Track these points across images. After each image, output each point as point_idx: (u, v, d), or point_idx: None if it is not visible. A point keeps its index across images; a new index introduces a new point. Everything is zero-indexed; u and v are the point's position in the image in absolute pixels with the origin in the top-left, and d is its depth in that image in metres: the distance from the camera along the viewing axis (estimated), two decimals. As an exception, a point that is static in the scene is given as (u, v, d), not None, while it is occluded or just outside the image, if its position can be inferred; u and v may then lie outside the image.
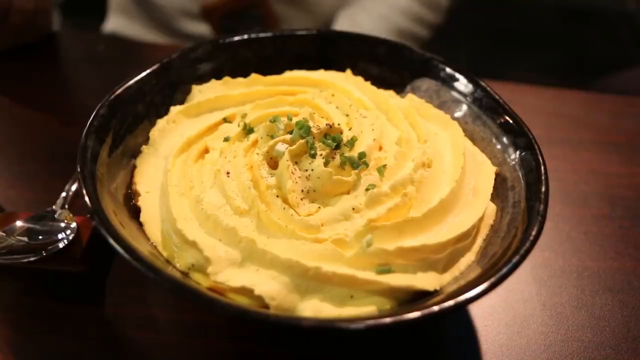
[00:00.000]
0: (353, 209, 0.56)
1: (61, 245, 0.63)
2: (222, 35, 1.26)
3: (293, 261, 0.50)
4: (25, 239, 0.65)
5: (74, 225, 0.65)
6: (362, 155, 0.61)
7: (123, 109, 0.66)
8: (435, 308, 0.45)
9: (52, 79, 0.98)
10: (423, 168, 0.61)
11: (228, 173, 0.60)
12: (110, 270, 0.67)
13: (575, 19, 2.88)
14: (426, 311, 0.45)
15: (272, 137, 0.62)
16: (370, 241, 0.52)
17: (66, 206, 0.69)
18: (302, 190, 0.58)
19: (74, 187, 0.72)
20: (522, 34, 2.76)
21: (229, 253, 0.52)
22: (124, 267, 0.66)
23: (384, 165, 0.60)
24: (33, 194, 0.77)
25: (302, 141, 0.60)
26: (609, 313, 0.67)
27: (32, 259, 0.62)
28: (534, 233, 0.52)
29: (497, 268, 0.50)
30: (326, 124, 0.62)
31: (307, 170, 0.58)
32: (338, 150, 0.61)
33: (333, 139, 0.61)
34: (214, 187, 0.59)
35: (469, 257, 0.57)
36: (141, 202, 0.59)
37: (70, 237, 0.64)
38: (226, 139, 0.64)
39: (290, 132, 0.62)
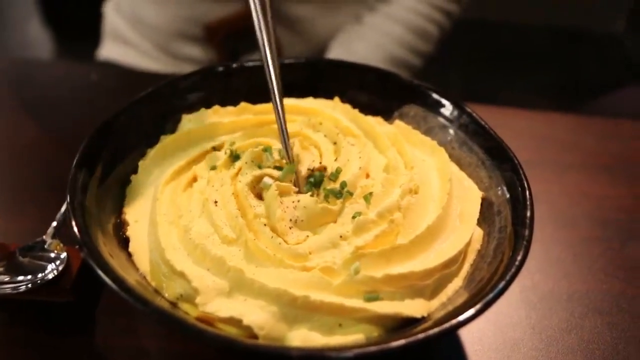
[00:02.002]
0: (340, 236, 0.57)
1: (51, 276, 0.64)
2: (225, 56, 1.30)
3: (281, 290, 0.51)
4: (15, 269, 0.65)
5: (63, 255, 0.66)
6: (343, 184, 0.63)
7: (113, 139, 0.67)
8: (421, 335, 0.46)
9: (44, 108, 0.99)
10: (410, 194, 0.62)
11: (216, 202, 0.61)
12: (100, 300, 0.67)
13: (564, 40, 2.93)
14: (412, 339, 0.46)
15: (258, 166, 0.64)
16: (358, 269, 0.53)
17: (56, 236, 0.69)
18: (291, 220, 0.59)
19: (64, 217, 0.73)
20: (514, 55, 2.80)
21: (217, 283, 0.53)
22: (114, 297, 0.66)
23: (370, 193, 0.61)
24: (23, 224, 0.78)
25: (290, 183, 0.63)
26: (598, 336, 0.67)
27: (21, 289, 0.63)
28: (519, 258, 0.54)
29: (483, 294, 0.51)
30: (308, 169, 0.65)
31: (293, 201, 0.60)
32: (321, 186, 0.64)
33: (315, 178, 0.64)
34: (202, 216, 0.61)
35: (457, 283, 0.58)
36: (130, 231, 0.61)
37: (60, 268, 0.65)
38: (213, 167, 0.66)
39: (278, 168, 0.65)
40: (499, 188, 0.65)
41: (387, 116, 0.79)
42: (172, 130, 0.74)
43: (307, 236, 0.59)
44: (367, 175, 0.67)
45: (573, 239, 0.81)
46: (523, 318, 0.69)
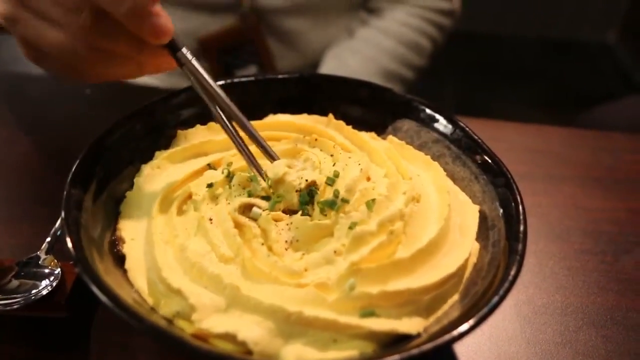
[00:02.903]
0: (335, 251, 0.57)
1: (45, 292, 0.64)
2: (218, 70, 1.30)
3: (276, 306, 0.52)
4: (9, 286, 0.65)
5: (57, 271, 0.66)
6: (336, 192, 0.63)
7: (107, 155, 0.68)
8: (415, 351, 0.47)
9: (36, 122, 0.99)
10: (413, 202, 0.63)
11: (211, 219, 0.62)
12: (95, 315, 0.68)
13: (557, 52, 2.96)
14: (406, 354, 0.47)
15: (248, 192, 0.65)
16: (353, 285, 0.54)
17: (50, 252, 0.70)
18: (286, 241, 0.60)
19: (59, 232, 0.73)
20: (507, 67, 2.83)
21: (214, 300, 0.54)
22: (109, 313, 0.67)
23: (373, 200, 0.61)
24: (17, 240, 0.78)
25: (277, 213, 0.64)
26: (592, 349, 0.68)
27: (15, 306, 0.63)
28: (512, 273, 0.55)
29: (477, 308, 0.52)
30: (296, 191, 0.65)
31: (287, 223, 0.61)
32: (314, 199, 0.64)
33: (307, 195, 0.64)
34: (198, 234, 0.61)
35: (453, 298, 0.59)
36: (126, 249, 0.61)
37: (54, 284, 0.65)
38: (209, 186, 0.66)
39: (266, 198, 0.65)
40: (493, 203, 0.66)
41: (380, 131, 0.80)
42: (166, 145, 0.75)
43: (303, 254, 0.59)
44: (368, 179, 0.67)
45: (567, 252, 0.82)
46: (518, 332, 0.69)
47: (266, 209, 0.63)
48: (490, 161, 0.70)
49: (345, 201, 0.62)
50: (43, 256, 0.69)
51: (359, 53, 1.31)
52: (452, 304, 0.58)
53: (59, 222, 0.73)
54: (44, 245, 0.70)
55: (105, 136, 0.69)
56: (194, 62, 0.65)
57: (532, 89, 2.71)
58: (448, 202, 0.64)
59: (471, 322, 0.50)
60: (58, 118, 1.00)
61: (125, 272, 0.59)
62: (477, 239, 0.65)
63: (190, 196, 0.67)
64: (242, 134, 0.69)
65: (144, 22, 0.59)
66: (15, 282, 0.66)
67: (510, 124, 0.77)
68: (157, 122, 0.75)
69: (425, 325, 0.55)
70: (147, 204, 0.66)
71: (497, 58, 2.93)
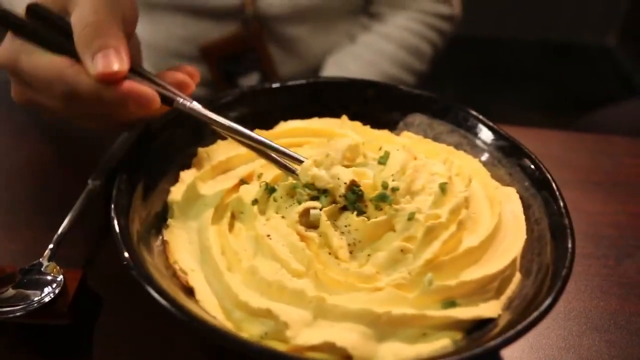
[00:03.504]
0: (402, 250, 0.59)
1: (47, 299, 0.64)
2: (220, 77, 1.31)
3: (364, 310, 0.54)
4: (11, 293, 0.65)
5: (60, 278, 0.66)
6: (385, 184, 0.64)
7: (132, 182, 0.66)
8: (511, 332, 0.52)
9: (37, 130, 0.99)
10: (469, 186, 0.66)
11: (269, 236, 0.62)
12: (98, 322, 0.68)
13: (557, 55, 2.96)
14: (499, 340, 0.51)
15: (298, 200, 0.65)
16: (431, 280, 0.56)
17: (53, 259, 0.70)
18: (349, 244, 0.61)
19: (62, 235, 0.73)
20: (507, 71, 2.84)
21: (301, 314, 0.55)
22: (111, 319, 0.68)
23: (445, 183, 0.64)
24: (18, 246, 0.78)
25: (332, 206, 0.64)
26: (596, 354, 0.70)
27: (17, 313, 0.63)
28: (569, 245, 0.60)
29: (550, 285, 0.57)
30: (340, 196, 0.65)
31: (346, 225, 0.62)
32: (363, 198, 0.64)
33: (352, 194, 0.64)
34: (259, 253, 0.62)
35: (517, 276, 0.62)
36: (191, 281, 0.61)
37: (57, 291, 0.65)
38: (254, 202, 0.66)
39: (314, 198, 0.66)
40: (523, 183, 0.70)
41: (392, 128, 0.82)
42: (187, 165, 0.74)
43: (369, 255, 0.61)
44: (415, 157, 0.69)
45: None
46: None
47: (322, 207, 0.64)
48: (509, 145, 0.74)
49: (395, 190, 0.63)
50: (45, 263, 0.69)
51: (360, 58, 1.32)
52: (517, 282, 0.61)
53: (61, 228, 0.73)
54: (46, 252, 0.70)
55: (126, 163, 0.67)
56: (195, 105, 0.67)
57: (532, 91, 2.72)
58: (495, 186, 0.68)
59: (550, 298, 0.54)
60: (61, 125, 1.00)
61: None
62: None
63: (233, 215, 0.67)
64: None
65: (127, 106, 0.61)
66: (17, 289, 0.66)
67: (509, 128, 0.78)
68: (177, 143, 0.74)
69: (501, 307, 0.58)
70: (194, 230, 0.66)
71: (497, 61, 2.94)
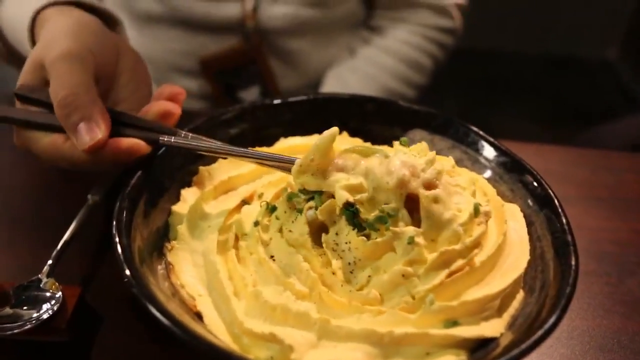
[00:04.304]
0: (403, 275, 0.59)
1: (46, 315, 0.65)
2: (220, 90, 1.32)
3: (367, 330, 0.56)
4: (9, 310, 0.66)
5: (59, 295, 0.67)
6: (382, 210, 0.62)
7: (133, 199, 0.67)
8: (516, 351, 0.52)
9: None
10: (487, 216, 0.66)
11: (272, 257, 0.64)
12: (96, 339, 0.68)
13: (557, 69, 2.98)
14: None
15: (299, 210, 0.66)
16: (433, 300, 0.58)
17: (51, 275, 0.70)
18: (349, 263, 0.62)
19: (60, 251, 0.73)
20: (507, 84, 2.85)
21: (305, 336, 0.56)
22: (110, 337, 0.69)
23: (479, 204, 0.64)
24: (17, 262, 0.78)
25: (328, 202, 0.64)
26: (599, 373, 0.69)
27: (16, 330, 0.63)
28: (573, 263, 0.61)
29: (553, 302, 0.57)
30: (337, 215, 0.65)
31: (346, 242, 0.62)
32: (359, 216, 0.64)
33: (346, 215, 0.63)
34: (263, 276, 0.63)
35: (520, 294, 0.64)
36: (200, 306, 0.62)
37: (55, 307, 0.65)
38: (256, 224, 0.67)
39: (310, 199, 0.66)
40: (525, 200, 0.71)
41: (393, 144, 0.83)
42: (188, 182, 0.75)
43: (369, 277, 0.61)
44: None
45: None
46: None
47: (316, 206, 0.64)
48: (511, 160, 0.75)
49: (392, 216, 0.61)
50: (44, 279, 0.69)
51: (360, 72, 1.33)
52: (520, 300, 0.63)
53: (60, 244, 0.73)
54: (45, 268, 0.71)
55: (131, 183, 0.67)
56: (179, 138, 0.70)
57: (532, 104, 2.74)
58: (502, 203, 0.69)
59: (554, 316, 0.55)
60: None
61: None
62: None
63: (237, 237, 0.68)
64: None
65: (118, 160, 0.68)
66: (15, 306, 0.66)
67: (509, 143, 0.78)
68: (176, 162, 0.75)
69: (504, 325, 0.59)
70: (199, 253, 0.67)
71: (497, 74, 2.95)
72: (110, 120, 0.68)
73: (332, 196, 0.64)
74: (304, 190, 0.66)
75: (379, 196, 0.62)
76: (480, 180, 0.74)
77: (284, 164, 0.68)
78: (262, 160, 0.70)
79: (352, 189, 0.63)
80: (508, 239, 0.66)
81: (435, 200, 0.61)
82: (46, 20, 0.78)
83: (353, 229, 0.62)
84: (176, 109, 0.73)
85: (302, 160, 0.65)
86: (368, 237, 0.62)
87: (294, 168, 0.65)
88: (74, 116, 0.66)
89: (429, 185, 0.62)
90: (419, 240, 0.60)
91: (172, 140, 0.70)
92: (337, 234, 0.63)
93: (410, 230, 0.61)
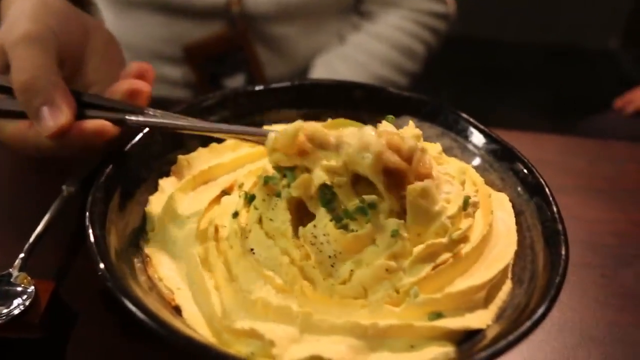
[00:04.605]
0: (386, 269, 0.59)
1: (17, 311, 0.65)
2: (204, 78, 1.32)
3: (351, 322, 0.56)
4: (-21, 306, 0.65)
5: (31, 289, 0.67)
6: (362, 200, 0.60)
7: (108, 189, 0.67)
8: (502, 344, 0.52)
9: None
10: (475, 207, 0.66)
11: (252, 250, 0.63)
12: (71, 336, 0.68)
13: (557, 58, 2.99)
14: (490, 351, 0.52)
15: (277, 194, 0.65)
16: (417, 292, 0.58)
17: (24, 269, 0.70)
18: (330, 257, 0.61)
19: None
20: (506, 73, 2.85)
21: (287, 331, 0.56)
22: (85, 333, 0.69)
23: (468, 197, 0.64)
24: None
25: (302, 177, 0.62)
26: (592, 366, 0.69)
27: (-14, 327, 0.63)
28: (563, 252, 0.61)
29: (541, 294, 0.58)
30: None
31: (325, 235, 0.61)
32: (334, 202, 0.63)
33: (324, 197, 0.62)
34: (243, 269, 0.62)
35: (507, 285, 0.64)
36: (178, 300, 0.61)
37: (27, 302, 0.65)
38: (235, 215, 0.67)
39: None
40: (515, 189, 0.72)
41: None
42: (166, 172, 0.74)
43: (352, 271, 0.60)
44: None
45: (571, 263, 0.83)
46: (515, 350, 0.69)
47: (288, 184, 0.63)
48: (501, 148, 0.75)
49: (372, 207, 0.60)
50: (15, 273, 0.69)
51: (349, 59, 1.33)
52: (507, 291, 0.63)
53: (33, 237, 0.73)
54: (16, 261, 0.70)
55: (104, 175, 0.67)
56: (147, 117, 0.70)
57: (533, 95, 2.74)
58: (489, 193, 0.69)
59: (543, 307, 0.55)
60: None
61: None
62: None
63: (217, 229, 0.67)
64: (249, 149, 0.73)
65: (85, 143, 0.68)
66: (-15, 302, 0.66)
67: (505, 132, 0.78)
68: (155, 149, 0.75)
69: (491, 317, 0.59)
70: (177, 246, 0.67)
71: (496, 63, 2.95)
72: (75, 103, 0.67)
73: (307, 170, 0.62)
74: (279, 169, 0.64)
75: (355, 168, 0.60)
76: (469, 169, 0.74)
77: (260, 137, 0.67)
78: (237, 134, 0.69)
79: (332, 171, 0.61)
80: (495, 230, 0.66)
81: (423, 193, 0.60)
82: (12, 2, 0.77)
83: (331, 220, 0.61)
84: (145, 87, 0.72)
85: (274, 143, 0.63)
86: (346, 227, 0.60)
87: (268, 144, 0.63)
88: (35, 101, 0.65)
89: (419, 175, 0.61)
90: (403, 233, 0.59)
91: (140, 118, 0.69)
92: (315, 226, 0.62)
93: (393, 222, 0.59)
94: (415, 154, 0.61)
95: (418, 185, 0.60)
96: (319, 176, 0.61)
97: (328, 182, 0.61)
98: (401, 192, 0.60)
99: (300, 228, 0.63)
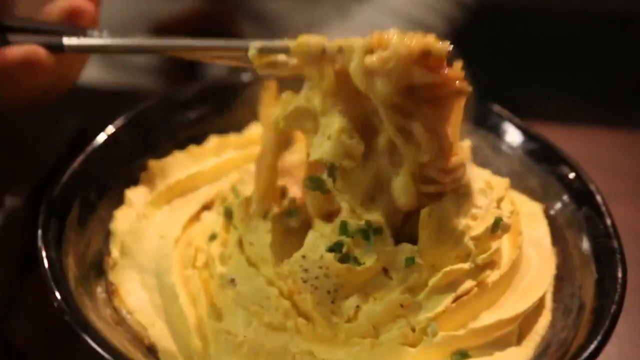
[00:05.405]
0: (401, 305, 0.59)
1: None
2: (177, 63, 1.31)
3: None
4: None
5: None
6: (367, 224, 0.60)
7: (64, 201, 0.67)
8: None
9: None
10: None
11: (233, 280, 0.63)
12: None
13: (608, 30, 2.97)
14: None
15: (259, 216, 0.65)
16: (436, 330, 0.57)
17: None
18: (329, 292, 0.60)
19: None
20: (544, 50, 2.84)
21: None
22: None
23: (500, 219, 0.63)
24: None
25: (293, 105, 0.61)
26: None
27: None
28: (620, 275, 0.60)
29: (591, 327, 0.57)
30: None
31: (321, 267, 0.60)
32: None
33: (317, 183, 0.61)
34: (227, 303, 0.62)
35: (546, 317, 0.64)
36: (153, 338, 0.62)
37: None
38: (212, 237, 0.67)
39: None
40: (559, 196, 0.72)
41: None
42: (135, 180, 0.75)
43: (357, 307, 0.60)
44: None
45: (633, 289, 0.82)
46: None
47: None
48: (541, 147, 0.75)
49: (377, 231, 0.60)
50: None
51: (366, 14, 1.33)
52: (546, 323, 0.63)
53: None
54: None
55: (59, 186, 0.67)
56: (89, 38, 0.67)
57: (580, 78, 2.73)
58: (516, 211, 0.68)
59: (595, 342, 0.55)
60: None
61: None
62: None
63: (197, 254, 0.67)
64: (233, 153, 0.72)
65: (16, 74, 0.65)
66: None
67: (547, 125, 0.79)
68: (122, 152, 0.75)
69: (528, 355, 0.60)
70: (149, 272, 0.67)
71: (530, 36, 2.94)
72: None
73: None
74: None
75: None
76: (494, 180, 0.72)
77: (236, 51, 0.65)
78: (205, 50, 0.67)
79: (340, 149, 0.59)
80: (525, 253, 0.66)
81: (440, 212, 0.59)
82: None
83: (328, 251, 0.60)
84: (88, 5, 0.70)
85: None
86: (347, 257, 0.60)
87: (251, 52, 0.61)
88: None
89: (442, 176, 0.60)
90: (419, 261, 0.59)
91: (82, 41, 0.66)
92: (304, 257, 0.60)
93: (407, 249, 0.59)
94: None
95: (436, 205, 0.59)
96: (324, 150, 0.59)
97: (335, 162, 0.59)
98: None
99: (286, 262, 0.61)
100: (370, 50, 0.55)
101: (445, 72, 0.56)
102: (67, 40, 0.66)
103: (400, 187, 0.58)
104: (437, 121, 0.58)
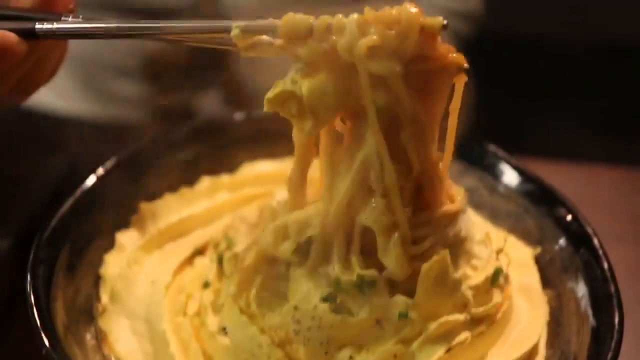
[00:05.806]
0: (395, 355, 0.61)
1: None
2: (167, 94, 1.32)
3: None
4: None
5: None
6: (360, 276, 0.61)
7: (54, 245, 0.68)
8: None
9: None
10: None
11: (224, 330, 0.65)
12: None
13: (614, 61, 3.00)
14: None
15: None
16: None
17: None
18: (322, 344, 0.62)
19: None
20: (548, 77, 2.85)
21: None
22: None
23: (499, 269, 0.66)
24: None
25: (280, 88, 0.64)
26: None
27: None
28: (616, 321, 0.62)
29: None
30: None
31: (314, 317, 0.62)
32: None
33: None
34: (220, 353, 0.64)
35: None
36: None
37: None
38: (206, 285, 0.69)
39: None
40: (556, 239, 0.74)
41: None
42: (125, 223, 0.76)
43: (351, 357, 0.62)
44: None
45: (626, 334, 0.84)
46: None
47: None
48: (539, 189, 0.78)
49: (372, 284, 0.61)
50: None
51: None
52: None
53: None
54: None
55: (47, 232, 0.68)
56: (63, 24, 0.66)
57: (582, 107, 2.75)
58: (507, 261, 0.70)
59: None
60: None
61: None
62: (547, 286, 0.72)
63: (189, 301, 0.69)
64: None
65: None
66: None
67: (543, 163, 0.80)
68: (113, 195, 0.76)
69: None
70: (140, 318, 0.68)
71: (534, 66, 2.97)
72: None
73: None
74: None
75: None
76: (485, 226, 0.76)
77: (218, 35, 0.65)
78: (187, 32, 0.67)
79: None
80: (515, 302, 0.68)
81: (441, 268, 0.61)
82: None
83: (321, 301, 0.62)
84: None
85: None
86: (341, 307, 0.62)
87: (234, 32, 0.62)
88: None
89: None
90: (413, 315, 0.61)
91: (54, 26, 0.66)
92: (296, 307, 0.63)
93: (401, 302, 0.61)
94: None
95: (435, 259, 0.61)
96: None
97: None
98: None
99: (276, 314, 0.64)
100: (363, 27, 0.56)
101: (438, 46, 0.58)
102: (40, 26, 0.65)
103: (393, 261, 0.60)
104: (428, 123, 0.61)
